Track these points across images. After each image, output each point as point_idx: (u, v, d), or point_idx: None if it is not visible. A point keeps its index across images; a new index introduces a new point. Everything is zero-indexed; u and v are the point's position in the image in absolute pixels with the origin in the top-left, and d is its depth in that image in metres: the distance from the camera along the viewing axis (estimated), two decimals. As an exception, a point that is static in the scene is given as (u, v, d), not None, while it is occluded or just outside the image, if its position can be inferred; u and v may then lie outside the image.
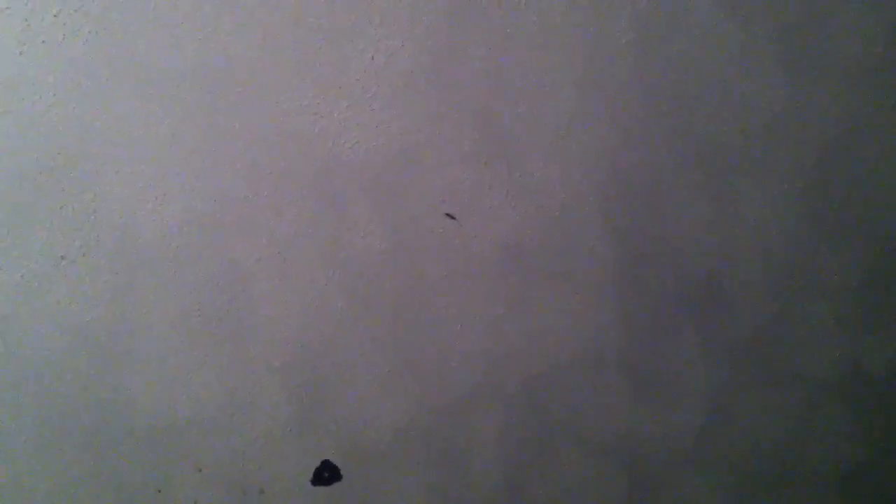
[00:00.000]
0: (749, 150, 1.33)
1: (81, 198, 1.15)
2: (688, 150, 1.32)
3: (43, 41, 1.10)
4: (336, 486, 1.30)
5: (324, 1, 1.17)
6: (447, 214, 1.26)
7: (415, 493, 1.33)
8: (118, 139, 1.15)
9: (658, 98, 1.30)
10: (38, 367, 1.17)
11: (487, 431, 1.34)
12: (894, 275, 1.40)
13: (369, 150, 1.23)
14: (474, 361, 1.32)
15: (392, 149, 1.23)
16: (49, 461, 1.19)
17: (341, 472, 1.29)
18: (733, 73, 1.31)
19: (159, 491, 1.24)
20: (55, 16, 1.10)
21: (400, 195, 1.25)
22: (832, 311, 1.39)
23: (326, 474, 1.30)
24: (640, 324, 1.36)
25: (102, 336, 1.18)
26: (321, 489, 1.30)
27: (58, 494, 1.21)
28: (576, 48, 1.26)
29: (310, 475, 1.28)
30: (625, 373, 1.37)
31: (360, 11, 1.19)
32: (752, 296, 1.37)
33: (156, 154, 1.16)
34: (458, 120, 1.25)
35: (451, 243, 1.28)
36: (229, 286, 1.22)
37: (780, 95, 1.32)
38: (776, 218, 1.36)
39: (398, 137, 1.23)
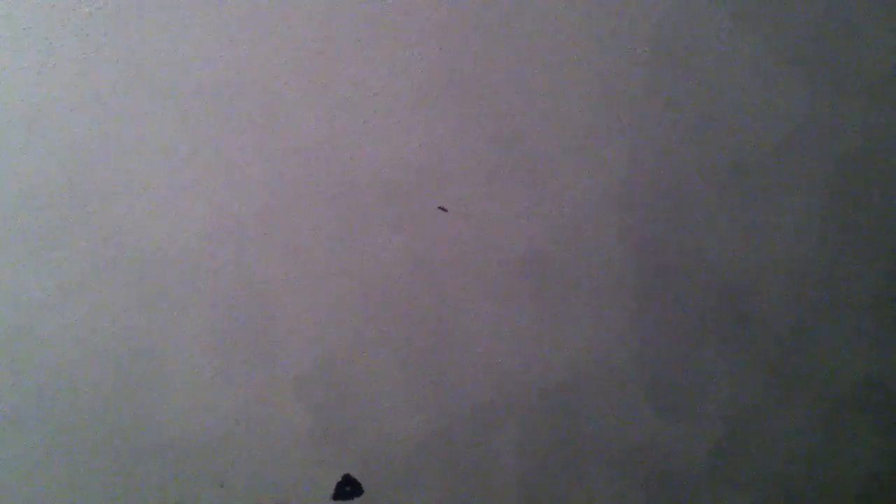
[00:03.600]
0: (769, 162, 1.33)
1: (102, 215, 1.15)
2: (708, 162, 1.31)
3: (64, 59, 1.10)
4: (357, 500, 1.30)
5: (342, 13, 1.17)
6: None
7: (438, 511, 1.34)
8: (138, 156, 1.15)
9: (678, 110, 1.29)
10: (61, 382, 1.18)
11: (507, 443, 1.34)
12: (918, 287, 1.39)
13: (388, 162, 1.23)
14: (494, 373, 1.32)
15: (411, 160, 1.23)
16: (70, 475, 1.20)
17: (362, 487, 1.30)
18: (753, 85, 1.30)
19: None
20: (75, 35, 1.10)
21: (419, 207, 1.25)
22: (854, 323, 1.38)
23: (348, 488, 1.30)
24: (661, 336, 1.35)
25: (124, 351, 1.19)
26: (342, 503, 1.31)
27: (83, 509, 1.23)
28: (595, 60, 1.25)
29: (331, 489, 1.29)
30: (645, 385, 1.37)
31: (378, 23, 1.18)
32: (773, 308, 1.37)
33: (176, 170, 1.16)
34: (476, 132, 1.24)
35: (471, 255, 1.28)
36: (249, 300, 1.22)
37: (800, 106, 1.31)
38: (797, 230, 1.35)
39: (417, 149, 1.23)
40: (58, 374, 1.17)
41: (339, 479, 1.29)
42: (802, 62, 1.30)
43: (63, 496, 1.20)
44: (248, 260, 1.21)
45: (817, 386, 1.40)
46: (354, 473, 1.29)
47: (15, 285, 1.14)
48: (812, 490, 1.43)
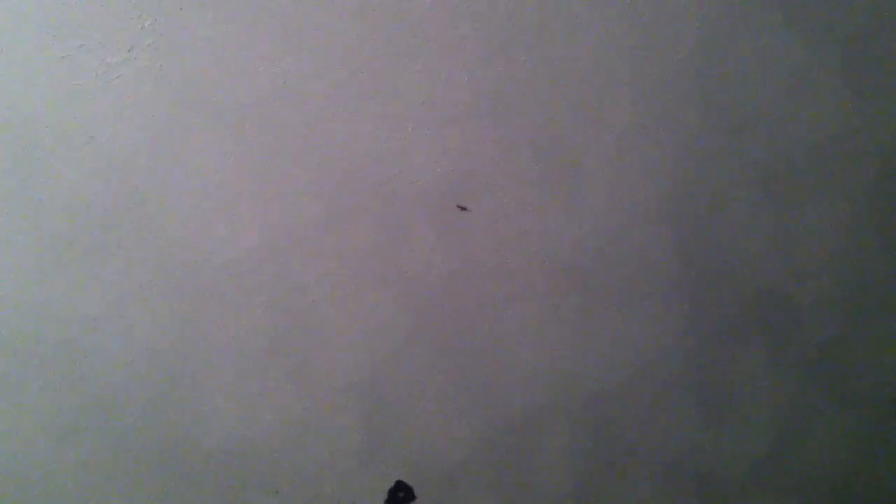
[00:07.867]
0: (813, 166, 1.33)
1: (152, 228, 1.16)
2: (750, 166, 1.32)
3: (117, 77, 1.11)
4: (411, 506, 1.31)
5: (384, 28, 1.18)
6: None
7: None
8: (187, 171, 1.16)
9: (718, 115, 1.29)
10: (111, 392, 1.19)
11: (554, 451, 1.35)
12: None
13: (431, 174, 1.23)
14: (539, 381, 1.33)
15: (453, 172, 1.24)
16: (121, 485, 1.21)
17: (415, 493, 1.30)
18: (794, 88, 1.30)
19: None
20: (129, 51, 1.11)
21: (461, 217, 1.26)
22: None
23: (401, 494, 1.30)
24: (705, 342, 1.36)
25: (174, 361, 1.20)
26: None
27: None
28: (633, 67, 1.26)
29: (382, 495, 1.29)
30: (690, 391, 1.37)
31: (419, 37, 1.19)
32: (818, 313, 1.37)
33: (223, 184, 1.18)
34: (517, 142, 1.25)
35: (515, 263, 1.28)
36: (296, 311, 1.23)
37: (842, 109, 1.32)
38: (841, 234, 1.35)
39: (459, 160, 1.24)
40: (108, 384, 1.18)
41: (392, 486, 1.29)
42: (844, 67, 1.30)
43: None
44: (294, 271, 1.22)
45: (864, 391, 1.40)
46: (405, 480, 1.29)
47: (64, 300, 1.14)
48: (860, 495, 1.43)
